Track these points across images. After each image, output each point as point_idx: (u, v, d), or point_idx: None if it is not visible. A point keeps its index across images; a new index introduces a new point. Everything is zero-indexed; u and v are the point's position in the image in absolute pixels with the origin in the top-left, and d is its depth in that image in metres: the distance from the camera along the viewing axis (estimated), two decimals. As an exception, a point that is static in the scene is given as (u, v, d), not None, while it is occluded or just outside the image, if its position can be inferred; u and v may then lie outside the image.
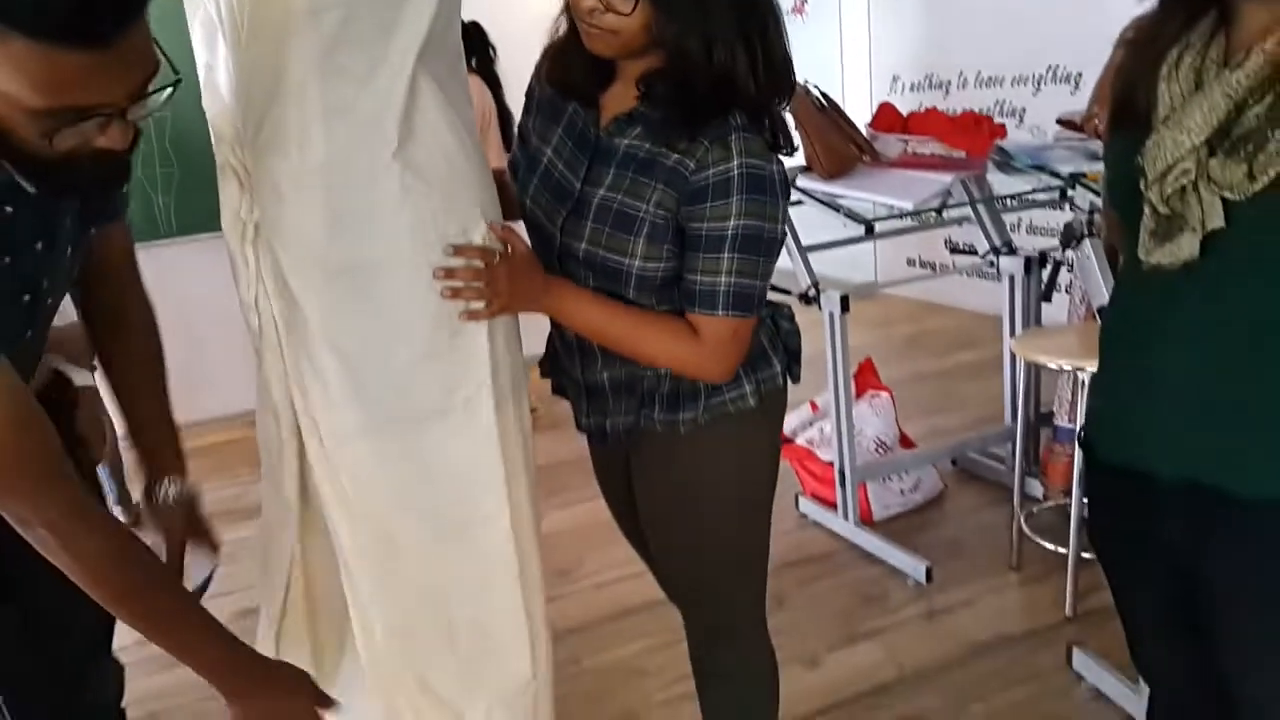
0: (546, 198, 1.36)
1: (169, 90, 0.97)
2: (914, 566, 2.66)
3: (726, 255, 1.27)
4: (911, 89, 5.41)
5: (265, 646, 1.37)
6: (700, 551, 1.51)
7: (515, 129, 1.61)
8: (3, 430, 1.00)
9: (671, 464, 1.45)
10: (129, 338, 1.37)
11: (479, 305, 1.27)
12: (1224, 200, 0.99)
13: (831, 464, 2.95)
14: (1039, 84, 4.66)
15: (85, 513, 1.08)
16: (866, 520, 2.96)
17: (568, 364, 1.48)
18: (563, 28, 1.34)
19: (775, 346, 1.46)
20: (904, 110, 3.04)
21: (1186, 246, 1.02)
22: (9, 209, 1.05)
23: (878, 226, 2.73)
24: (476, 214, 1.28)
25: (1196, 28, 1.03)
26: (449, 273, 1.25)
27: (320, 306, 1.24)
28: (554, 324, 1.45)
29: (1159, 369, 1.10)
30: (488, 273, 1.26)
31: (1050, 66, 4.57)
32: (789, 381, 1.50)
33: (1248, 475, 1.05)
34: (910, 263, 5.56)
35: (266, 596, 1.41)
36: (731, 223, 1.26)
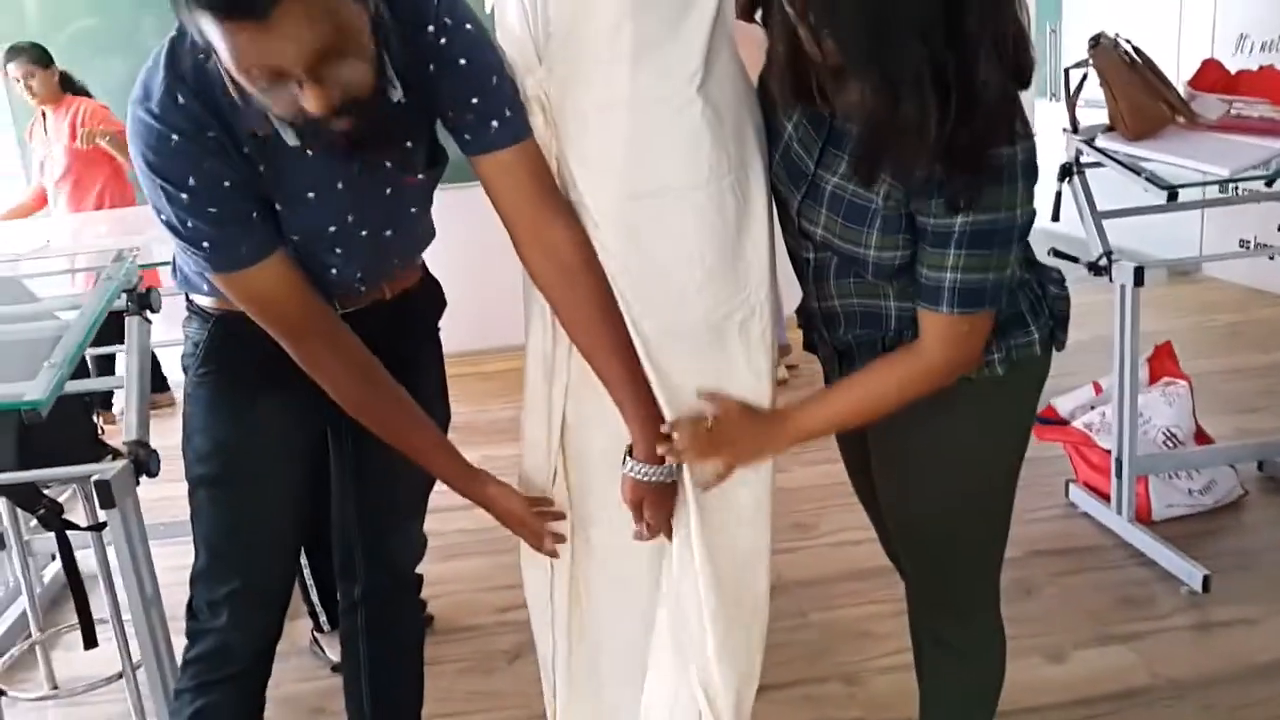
0: (784, 176, 1.36)
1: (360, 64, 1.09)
2: (1190, 573, 2.40)
3: (953, 251, 1.20)
4: (1263, 49, 4.77)
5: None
6: (930, 521, 1.46)
7: None
8: (286, 301, 1.28)
9: (908, 429, 1.39)
10: (568, 292, 1.32)
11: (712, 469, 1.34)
12: None
13: (1109, 452, 2.72)
14: None
15: (338, 344, 1.33)
16: (1143, 518, 2.70)
17: (819, 325, 1.47)
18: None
19: (1038, 312, 1.37)
20: (1246, 72, 2.69)
21: None
22: (262, 168, 1.22)
23: (1186, 195, 2.45)
24: (755, 147, 1.34)
25: None
26: (668, 438, 1.32)
27: (615, 228, 1.30)
28: (803, 287, 1.44)
29: None
30: (706, 435, 1.32)
31: None
32: (1053, 349, 1.40)
33: None
34: (1244, 244, 4.93)
35: None
36: (959, 219, 1.18)
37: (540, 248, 1.30)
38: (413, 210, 1.43)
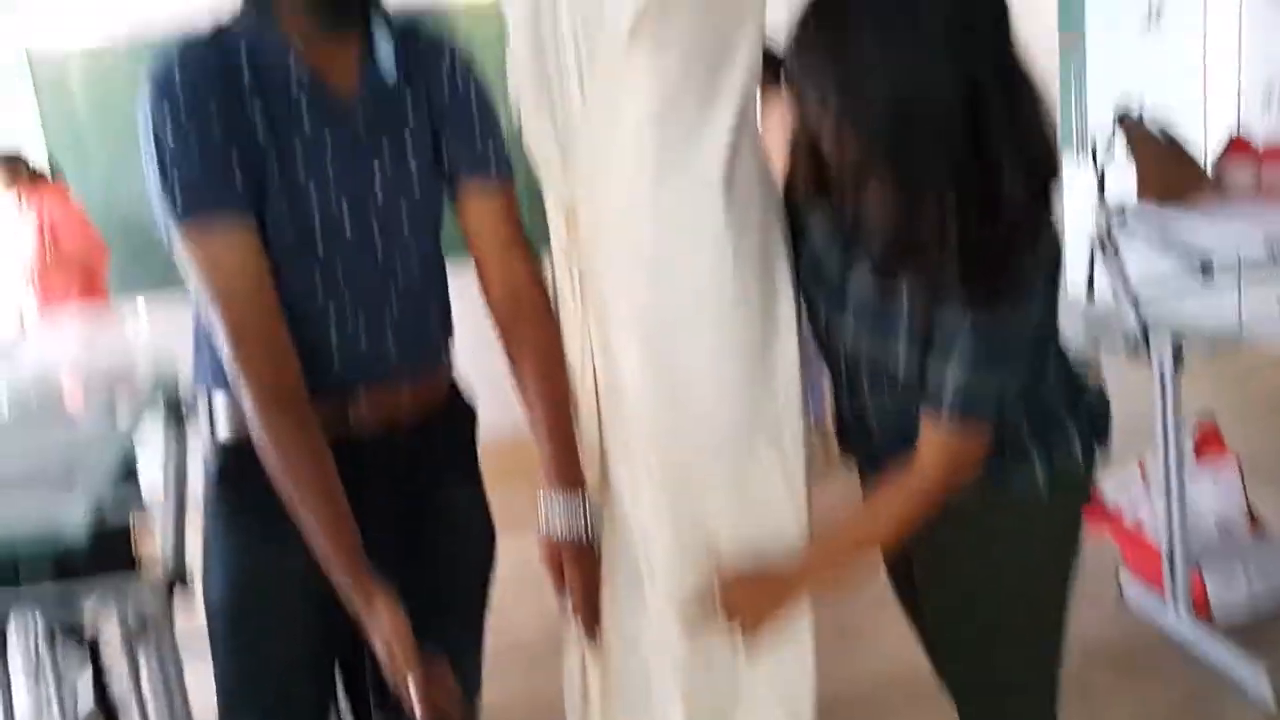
0: (811, 277, 1.31)
1: None
2: (1257, 681, 2.19)
3: (962, 352, 1.14)
4: (1290, 104, 4.65)
5: None
6: (976, 647, 1.37)
7: None
8: (247, 280, 1.20)
9: (948, 550, 1.32)
10: (528, 350, 1.34)
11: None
12: None
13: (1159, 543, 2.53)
14: None
15: (274, 350, 1.21)
16: (1202, 615, 2.50)
17: (853, 435, 1.39)
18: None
19: (1076, 412, 1.29)
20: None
21: None
22: (260, 136, 1.20)
23: (1219, 267, 2.31)
24: (781, 255, 1.31)
25: None
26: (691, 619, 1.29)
27: (641, 339, 1.27)
28: (835, 394, 1.38)
29: None
30: (724, 602, 1.29)
31: None
32: (1095, 458, 1.31)
33: None
34: (1285, 306, 4.75)
35: None
36: (971, 320, 1.13)
37: (503, 282, 1.34)
38: (406, 233, 1.31)
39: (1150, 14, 5.38)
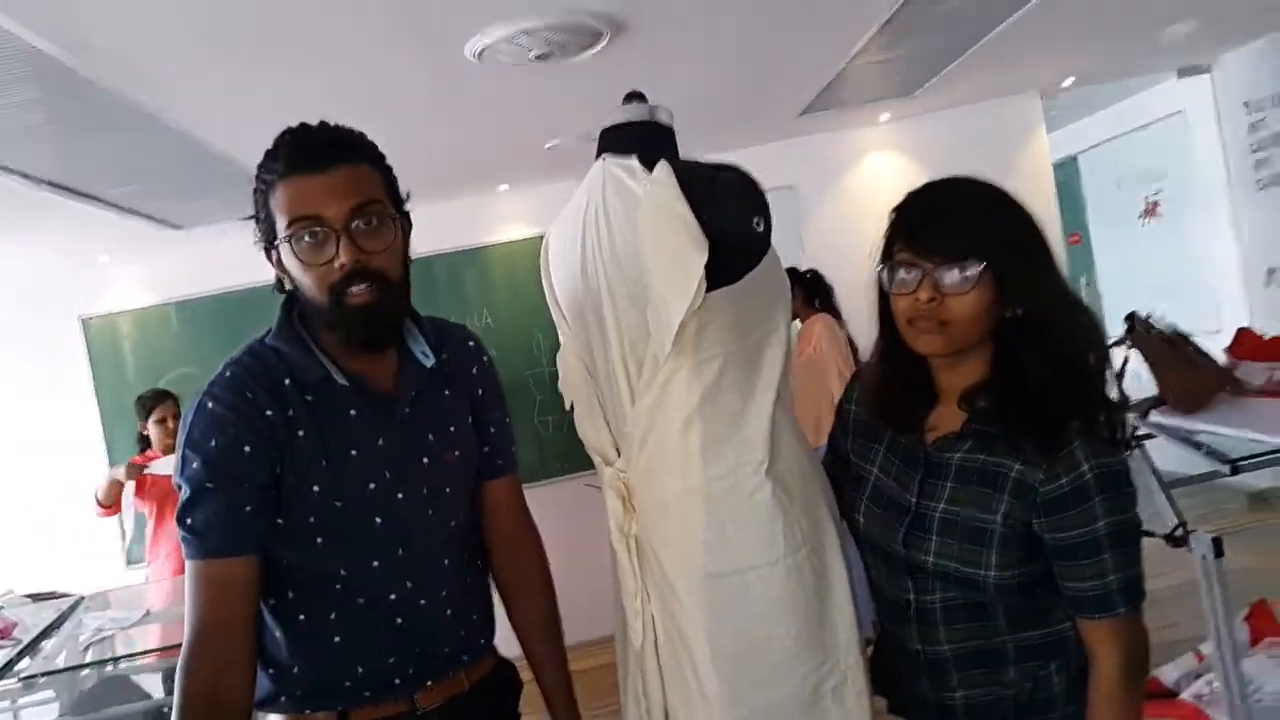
0: (879, 514, 1.42)
1: (390, 219, 1.35)
2: None
3: (1107, 555, 1.27)
4: (1292, 285, 4.95)
5: None
6: None
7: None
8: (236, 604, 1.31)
9: None
10: (525, 599, 1.57)
11: None
12: None
13: (1225, 726, 2.62)
14: None
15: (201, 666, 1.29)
16: (1276, 796, 2.58)
17: (911, 682, 1.45)
18: (876, 355, 1.43)
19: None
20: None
21: None
22: (301, 433, 1.35)
23: (1245, 463, 2.51)
24: (826, 515, 1.46)
25: None
26: None
27: (700, 604, 1.40)
28: (886, 633, 1.47)
29: None
30: None
31: None
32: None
33: None
34: (1315, 472, 4.90)
35: None
36: (1100, 524, 1.27)
37: (511, 554, 1.57)
38: (448, 490, 1.47)
39: (1145, 209, 5.80)
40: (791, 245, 5.14)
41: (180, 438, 1.36)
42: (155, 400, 4.23)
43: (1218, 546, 2.51)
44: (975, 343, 1.33)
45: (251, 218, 1.38)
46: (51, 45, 2.28)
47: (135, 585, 4.34)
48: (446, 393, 1.48)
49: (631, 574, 1.48)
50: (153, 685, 2.26)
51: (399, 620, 1.40)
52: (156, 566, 4.17)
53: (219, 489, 1.31)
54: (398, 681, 1.41)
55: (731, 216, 1.38)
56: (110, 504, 4.11)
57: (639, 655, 1.48)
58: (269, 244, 1.37)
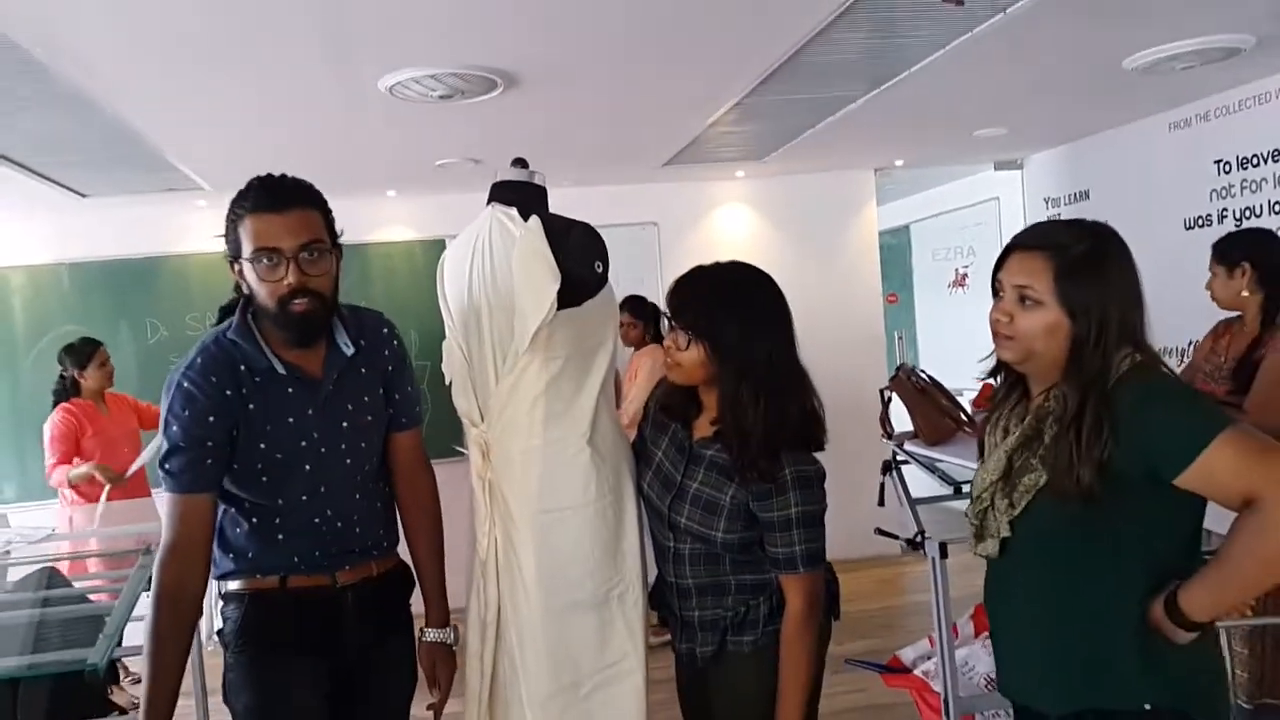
0: (659, 485, 1.99)
1: (327, 252, 1.81)
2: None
3: (796, 532, 1.84)
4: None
5: None
6: None
7: None
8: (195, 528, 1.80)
9: (737, 677, 1.95)
10: (417, 517, 2.09)
11: None
12: (1010, 519, 1.54)
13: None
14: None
15: (168, 575, 1.77)
16: (974, 751, 3.28)
17: (669, 601, 2.03)
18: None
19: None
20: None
21: (990, 546, 1.58)
22: (251, 406, 1.81)
23: (965, 485, 3.22)
24: (628, 477, 2.02)
25: (1010, 400, 1.62)
26: None
27: (531, 531, 1.95)
28: (660, 568, 2.03)
29: (999, 621, 1.64)
30: None
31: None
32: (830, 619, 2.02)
33: (1045, 697, 1.56)
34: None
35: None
36: (793, 510, 1.84)
37: (409, 485, 2.07)
38: (362, 445, 1.95)
39: (955, 280, 6.67)
40: (652, 276, 5.76)
41: (163, 404, 1.82)
42: (93, 346, 4.44)
43: (943, 550, 3.20)
44: (702, 381, 1.89)
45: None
46: (17, 34, 2.59)
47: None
48: (363, 371, 1.95)
49: (484, 506, 2.00)
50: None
51: (323, 529, 1.92)
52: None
53: (189, 447, 1.79)
54: (325, 563, 1.93)
55: (579, 260, 1.92)
56: (74, 486, 4.33)
57: (483, 564, 2.00)
58: (234, 259, 1.81)
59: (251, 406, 1.83)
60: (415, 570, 2.09)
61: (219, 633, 1.99)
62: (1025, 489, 1.53)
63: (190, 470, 1.79)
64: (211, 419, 1.79)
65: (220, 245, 1.82)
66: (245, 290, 1.85)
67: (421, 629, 2.07)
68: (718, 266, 1.93)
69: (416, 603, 2.11)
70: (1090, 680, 1.52)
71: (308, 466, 1.88)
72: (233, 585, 1.96)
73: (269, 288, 1.78)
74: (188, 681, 1.86)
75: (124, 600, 2.33)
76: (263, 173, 1.82)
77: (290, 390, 1.86)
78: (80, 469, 4.25)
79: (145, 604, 2.28)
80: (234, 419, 1.82)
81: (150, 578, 1.82)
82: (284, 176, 1.83)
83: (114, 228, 5.25)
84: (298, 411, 1.87)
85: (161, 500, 1.83)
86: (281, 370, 1.85)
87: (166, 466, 1.81)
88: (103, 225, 5.25)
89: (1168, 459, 1.44)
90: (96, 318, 5.18)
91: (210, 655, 2.30)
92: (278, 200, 1.77)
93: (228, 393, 1.81)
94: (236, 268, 1.83)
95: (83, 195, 4.75)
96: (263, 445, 1.84)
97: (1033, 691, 1.63)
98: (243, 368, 1.83)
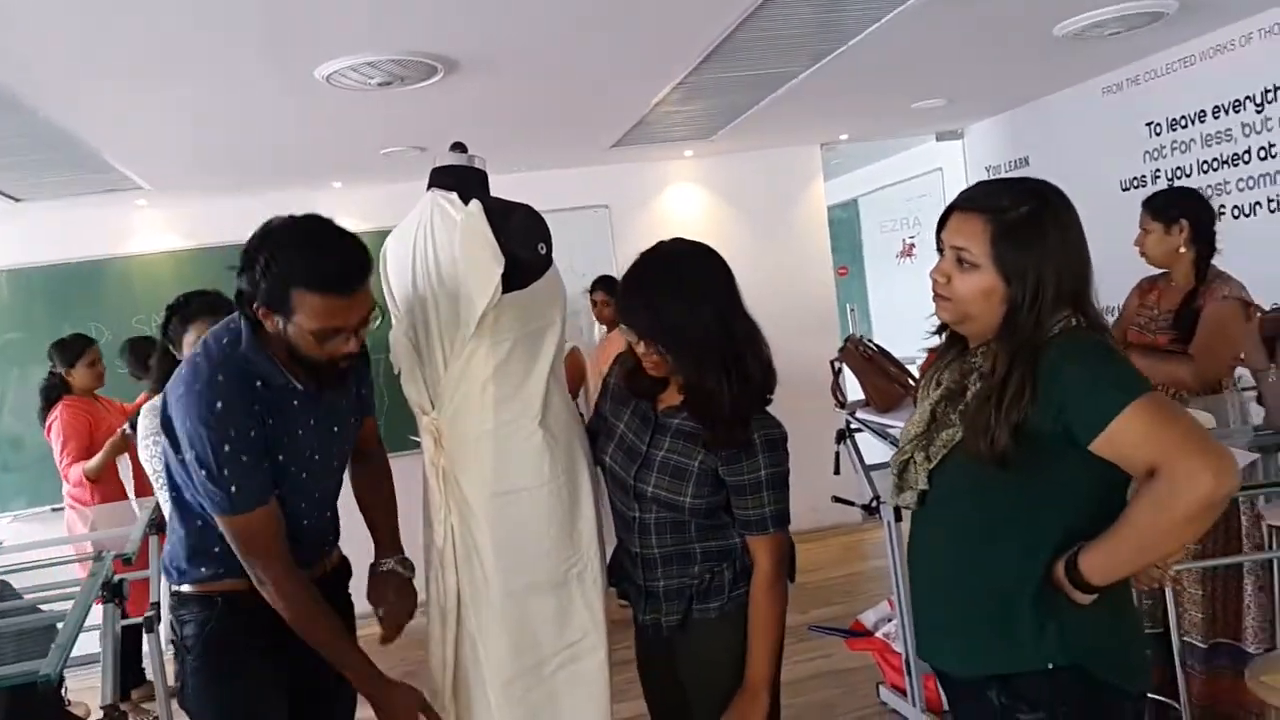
0: (622, 456, 2.00)
1: (379, 320, 1.89)
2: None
3: (765, 493, 1.87)
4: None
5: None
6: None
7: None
8: (274, 534, 1.87)
9: (703, 644, 1.97)
10: (374, 481, 2.25)
11: None
12: (928, 471, 1.57)
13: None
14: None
15: (293, 574, 1.88)
16: (934, 708, 3.35)
17: (631, 573, 2.04)
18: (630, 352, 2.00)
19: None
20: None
21: (909, 498, 1.61)
22: (270, 420, 1.84)
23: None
24: (581, 456, 2.02)
25: (948, 355, 1.66)
26: None
27: (486, 514, 1.96)
28: (619, 541, 2.05)
29: (914, 581, 1.68)
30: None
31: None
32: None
33: (951, 660, 1.60)
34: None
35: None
36: (762, 472, 1.87)
37: (366, 462, 2.22)
38: (346, 446, 2.08)
39: (903, 249, 6.76)
40: (605, 258, 5.78)
41: (187, 425, 1.79)
42: (83, 344, 4.31)
43: (898, 514, 3.27)
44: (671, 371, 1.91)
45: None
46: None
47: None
48: (349, 397, 2.05)
49: (439, 493, 2.00)
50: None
51: (308, 530, 2.01)
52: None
53: (254, 460, 1.81)
54: (301, 561, 1.95)
55: (521, 243, 1.92)
56: (97, 477, 4.23)
57: (440, 552, 2.01)
58: (273, 308, 1.77)
59: (270, 422, 1.86)
60: (371, 525, 2.21)
61: (175, 639, 1.99)
62: (942, 443, 1.55)
63: (259, 478, 1.83)
64: (252, 434, 1.82)
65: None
66: (270, 329, 1.82)
67: (376, 562, 2.17)
68: (649, 254, 1.93)
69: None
70: (992, 644, 1.54)
71: (305, 475, 1.94)
72: (200, 588, 1.97)
73: (323, 350, 1.82)
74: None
75: (76, 609, 2.29)
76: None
77: (295, 404, 1.91)
78: (95, 458, 4.17)
79: (97, 614, 2.35)
80: (265, 432, 1.85)
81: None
82: (345, 245, 1.80)
83: (52, 231, 5.15)
84: (304, 424, 1.92)
85: (232, 523, 1.85)
86: (298, 386, 1.89)
87: (232, 490, 1.80)
88: (39, 229, 5.16)
89: (1081, 423, 1.43)
90: (39, 324, 5.08)
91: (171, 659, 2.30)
92: (346, 285, 1.77)
93: (256, 408, 1.84)
94: (269, 316, 1.80)
95: (16, 200, 4.66)
96: (281, 457, 1.88)
97: (940, 653, 1.64)
98: (259, 384, 1.85)
